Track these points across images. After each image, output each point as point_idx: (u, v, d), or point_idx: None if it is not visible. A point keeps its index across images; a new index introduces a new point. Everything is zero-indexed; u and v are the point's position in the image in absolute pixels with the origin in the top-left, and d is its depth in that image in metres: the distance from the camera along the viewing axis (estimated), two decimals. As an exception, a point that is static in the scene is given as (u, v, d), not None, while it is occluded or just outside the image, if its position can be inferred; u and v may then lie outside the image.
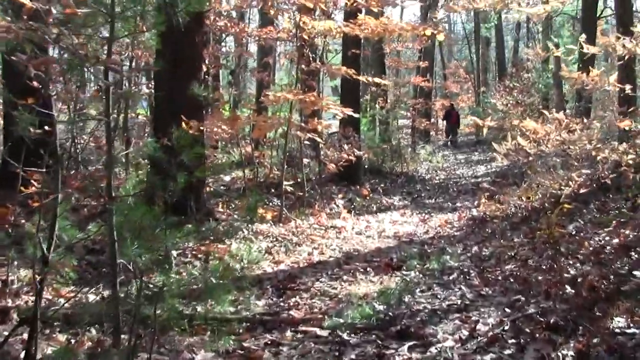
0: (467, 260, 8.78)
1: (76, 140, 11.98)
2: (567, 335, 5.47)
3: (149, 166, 10.65)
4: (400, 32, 13.28)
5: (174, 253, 8.14)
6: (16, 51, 4.97)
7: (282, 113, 13.23)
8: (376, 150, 18.68)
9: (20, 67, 4.94)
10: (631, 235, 8.09)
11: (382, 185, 16.75)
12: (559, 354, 5.05)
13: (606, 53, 15.33)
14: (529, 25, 36.01)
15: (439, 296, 7.02)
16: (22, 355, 4.72)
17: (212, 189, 13.20)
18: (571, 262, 7.71)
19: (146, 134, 14.71)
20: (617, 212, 9.88)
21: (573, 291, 6.52)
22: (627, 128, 8.23)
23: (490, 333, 5.65)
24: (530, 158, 9.20)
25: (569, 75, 8.10)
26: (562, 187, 9.07)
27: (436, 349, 5.38)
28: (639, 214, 8.52)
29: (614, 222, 8.57)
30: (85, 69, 4.92)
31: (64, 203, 4.94)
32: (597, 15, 18.63)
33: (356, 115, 12.91)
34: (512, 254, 8.64)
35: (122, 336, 4.74)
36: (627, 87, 8.13)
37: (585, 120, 8.42)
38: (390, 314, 6.26)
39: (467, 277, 7.78)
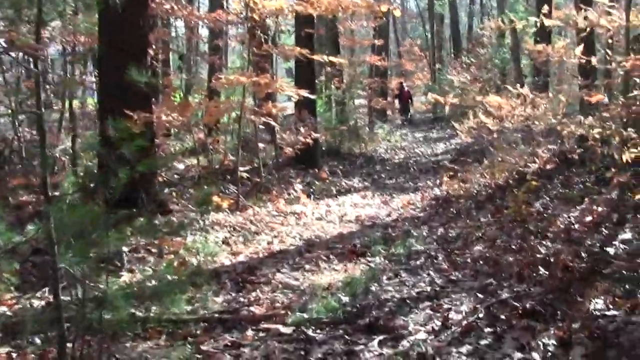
0: (434, 243, 8.47)
1: (19, 134, 11.42)
2: (546, 320, 5.19)
3: (87, 161, 10.23)
4: (354, 8, 12.87)
5: (125, 250, 7.70)
6: None
7: (235, 97, 12.77)
8: (333, 131, 18.29)
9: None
10: (601, 210, 7.85)
11: (340, 167, 16.37)
12: (539, 342, 4.76)
13: (560, 28, 15.14)
14: (483, 1, 35.89)
15: (407, 283, 6.69)
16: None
17: (165, 178, 12.71)
18: (541, 241, 7.45)
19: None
20: (581, 186, 9.69)
21: (547, 272, 6.24)
22: (593, 101, 7.93)
23: (464, 322, 5.34)
24: (495, 135, 8.94)
25: (533, 47, 7.78)
26: (528, 164, 8.79)
27: (408, 342, 5.07)
28: (608, 189, 8.26)
29: (586, 199, 8.32)
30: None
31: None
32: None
33: (312, 97, 12.50)
34: (480, 235, 8.38)
35: (69, 345, 4.34)
36: (594, 59, 7.85)
37: (550, 95, 8.11)
38: (357, 305, 5.92)
39: (435, 261, 7.46)
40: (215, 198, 10.71)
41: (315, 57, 13.20)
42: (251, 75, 11.30)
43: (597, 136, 7.62)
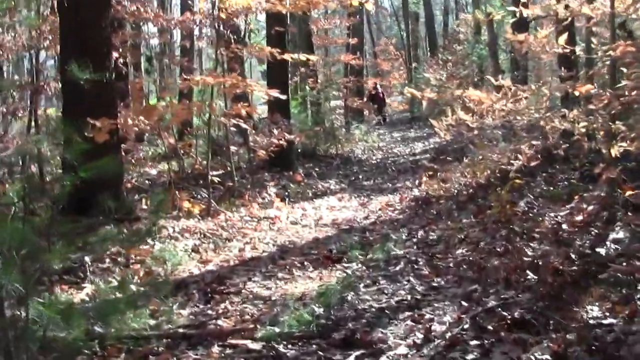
0: (414, 246, 8.04)
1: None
2: (538, 332, 4.77)
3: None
4: (324, 3, 12.44)
5: (88, 260, 7.22)
6: None
7: (202, 99, 12.33)
8: (309, 133, 17.82)
9: None
10: (590, 209, 7.45)
11: (316, 169, 15.93)
12: (532, 356, 4.31)
13: (536, 23, 14.82)
14: (458, -2, 35.70)
15: (386, 291, 6.23)
16: None
17: (135, 184, 12.24)
18: (528, 242, 7.04)
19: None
20: (566, 183, 9.34)
21: (536, 277, 5.82)
22: (576, 93, 7.53)
23: (449, 334, 4.91)
24: (476, 132, 8.54)
25: (514, 37, 7.38)
26: (512, 161, 8.38)
27: (387, 357, 4.63)
28: (596, 186, 7.89)
29: (576, 197, 7.92)
30: None
31: None
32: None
33: (282, 97, 12.02)
34: (462, 237, 7.96)
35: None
36: (578, 49, 7.47)
37: (533, 87, 7.70)
38: (332, 317, 5.46)
39: (416, 267, 7.02)
40: (186, 204, 10.27)
41: (287, 56, 12.76)
42: (218, 76, 10.83)
43: (583, 130, 7.24)
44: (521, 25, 11.81)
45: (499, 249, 7.02)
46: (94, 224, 8.20)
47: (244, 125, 11.91)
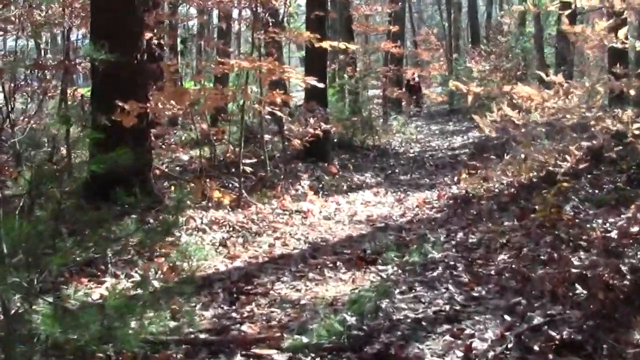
0: (452, 249, 7.58)
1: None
2: (589, 355, 4.34)
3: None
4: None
5: (109, 252, 6.87)
6: None
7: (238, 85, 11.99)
8: (345, 122, 17.38)
9: None
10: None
11: (352, 161, 15.50)
12: (584, 385, 3.90)
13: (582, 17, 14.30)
14: (503, -12, 34.93)
15: (422, 300, 5.82)
16: None
17: (166, 170, 11.93)
18: (574, 251, 6.60)
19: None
20: (612, 186, 8.90)
21: (585, 292, 5.38)
22: (632, 92, 7.03)
23: (491, 353, 4.52)
24: (523, 130, 8.07)
25: (571, 30, 6.90)
26: (559, 162, 7.91)
27: (424, 378, 4.23)
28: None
29: (632, 207, 7.45)
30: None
31: None
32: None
33: (320, 85, 11.57)
34: (504, 242, 7.52)
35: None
36: (637, 43, 6.96)
37: (587, 84, 7.21)
38: (364, 327, 5.06)
39: (454, 273, 6.57)
40: (217, 194, 9.93)
41: (326, 43, 12.32)
42: (254, 60, 10.44)
43: (637, 132, 6.75)
44: (571, 17, 11.32)
45: (543, 257, 6.62)
46: (119, 214, 7.90)
47: (279, 113, 11.53)
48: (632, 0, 6.78)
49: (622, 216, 7.47)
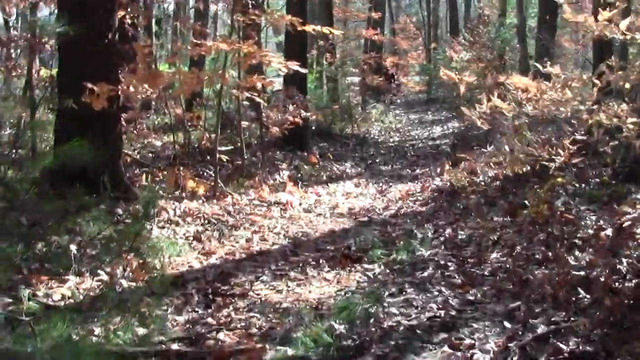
0: (441, 247, 7.17)
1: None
2: (600, 371, 3.94)
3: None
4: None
5: (73, 248, 6.35)
6: None
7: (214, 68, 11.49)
8: (325, 110, 16.94)
9: None
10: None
11: (331, 150, 15.08)
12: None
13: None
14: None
15: (414, 304, 5.39)
16: None
17: (137, 157, 11.41)
18: (570, 250, 6.20)
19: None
20: (597, 180, 8.70)
21: (588, 296, 4.98)
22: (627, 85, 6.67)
23: (495, 368, 4.08)
24: (516, 122, 7.68)
25: (575, 19, 6.49)
26: (553, 157, 7.54)
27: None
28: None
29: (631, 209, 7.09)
30: None
31: None
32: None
33: (303, 71, 11.11)
34: (495, 239, 7.13)
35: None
36: (638, 35, 6.58)
37: (585, 77, 6.83)
38: (354, 336, 4.62)
39: (446, 273, 6.17)
40: (191, 183, 9.46)
41: (308, 27, 11.85)
42: (233, 43, 9.95)
43: (631, 126, 6.40)
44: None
45: (538, 256, 6.25)
46: (85, 204, 7.38)
47: (257, 99, 11.04)
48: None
49: (622, 215, 7.09)
